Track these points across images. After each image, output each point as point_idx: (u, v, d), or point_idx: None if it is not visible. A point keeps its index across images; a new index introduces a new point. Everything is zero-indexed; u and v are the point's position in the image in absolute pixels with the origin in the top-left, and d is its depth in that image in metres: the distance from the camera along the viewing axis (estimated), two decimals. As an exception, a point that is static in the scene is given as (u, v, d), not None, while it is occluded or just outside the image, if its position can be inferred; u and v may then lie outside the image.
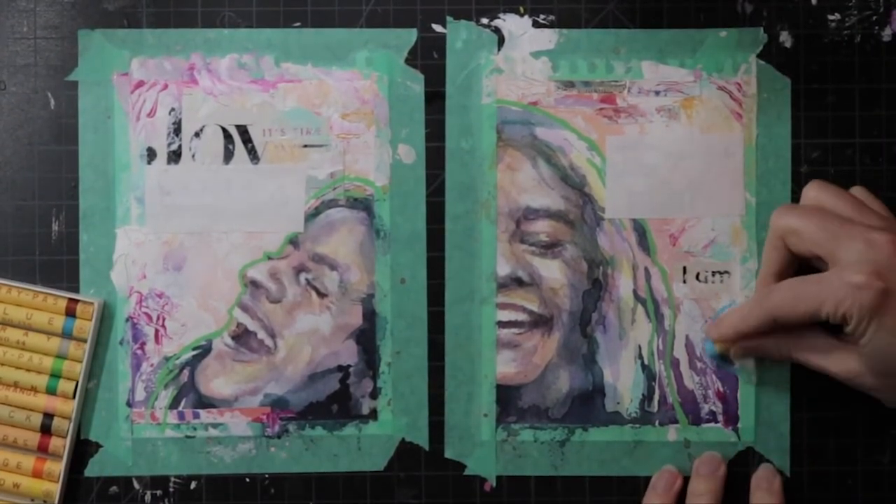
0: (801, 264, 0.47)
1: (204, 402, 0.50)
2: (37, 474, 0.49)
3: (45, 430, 0.49)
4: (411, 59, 0.51)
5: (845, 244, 0.43)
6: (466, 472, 0.51)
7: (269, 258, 0.50)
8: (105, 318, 0.50)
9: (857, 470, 0.50)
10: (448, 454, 0.51)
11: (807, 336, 0.46)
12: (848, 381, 0.45)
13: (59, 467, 0.49)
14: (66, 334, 0.49)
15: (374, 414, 0.51)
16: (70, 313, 0.49)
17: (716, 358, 0.50)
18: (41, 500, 0.49)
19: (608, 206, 0.51)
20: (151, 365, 0.50)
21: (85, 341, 0.49)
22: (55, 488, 0.49)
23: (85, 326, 0.49)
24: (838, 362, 0.45)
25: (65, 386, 0.49)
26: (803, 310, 0.44)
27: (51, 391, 0.49)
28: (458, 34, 0.51)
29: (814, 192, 0.47)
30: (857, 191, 0.48)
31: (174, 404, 0.50)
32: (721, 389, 0.51)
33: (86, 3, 0.51)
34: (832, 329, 0.46)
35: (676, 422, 0.51)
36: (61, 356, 0.49)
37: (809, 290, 0.44)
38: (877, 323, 0.42)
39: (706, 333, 0.50)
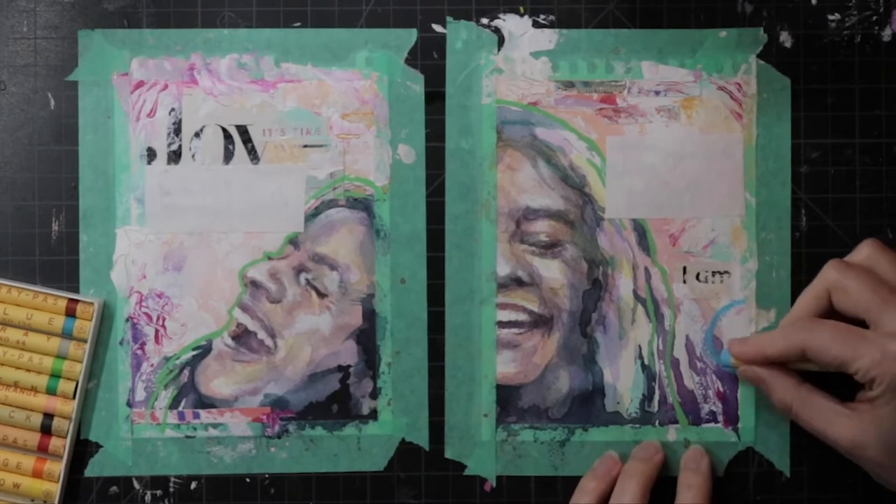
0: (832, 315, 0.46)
1: (204, 403, 0.50)
2: (37, 474, 0.49)
3: (46, 430, 0.49)
4: (411, 60, 0.51)
5: (893, 313, 0.43)
6: (466, 472, 0.51)
7: (269, 258, 0.50)
8: (105, 318, 0.50)
9: (858, 470, 0.49)
10: (448, 454, 0.51)
11: (815, 397, 0.46)
12: (849, 450, 0.44)
13: (59, 467, 0.49)
14: (66, 334, 0.49)
15: (374, 414, 0.51)
16: (70, 313, 0.49)
17: (728, 368, 0.49)
18: (41, 501, 0.49)
19: (608, 206, 0.51)
20: (151, 365, 0.50)
21: (85, 341, 0.49)
22: (55, 488, 0.49)
23: (85, 326, 0.49)
24: (843, 429, 0.44)
25: (65, 386, 0.49)
26: (835, 353, 0.44)
27: (51, 391, 0.49)
28: (458, 34, 0.51)
29: (867, 250, 0.46)
30: None
31: (174, 404, 0.50)
32: (721, 389, 0.51)
33: (86, 3, 0.51)
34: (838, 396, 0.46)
35: (676, 422, 0.51)
36: (61, 356, 0.49)
37: (850, 339, 0.43)
38: None
39: (728, 346, 0.49)
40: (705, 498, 0.48)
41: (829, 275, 0.46)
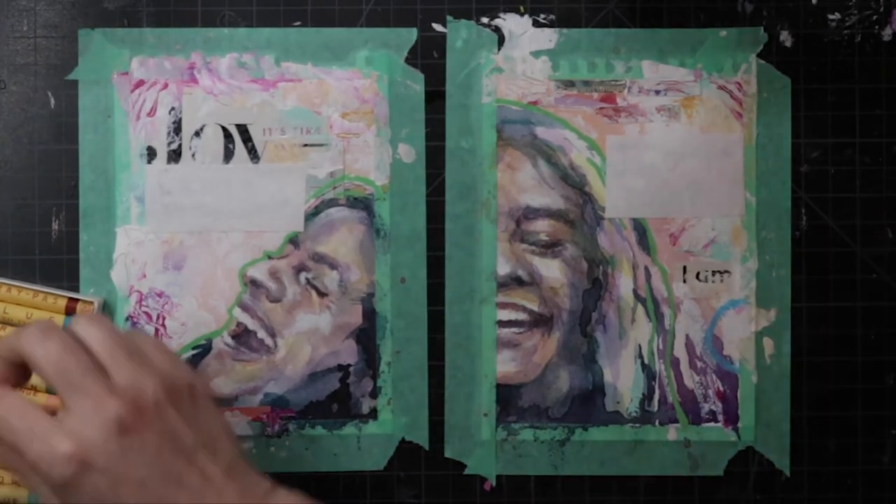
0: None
1: (204, 402, 0.50)
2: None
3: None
4: (411, 59, 0.51)
5: (79, 396, 0.36)
6: (466, 472, 0.51)
7: (269, 257, 0.50)
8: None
9: (857, 470, 0.50)
10: (448, 454, 0.51)
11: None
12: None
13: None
14: (66, 334, 0.49)
15: (374, 413, 0.51)
16: (70, 312, 0.49)
17: None
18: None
19: (608, 205, 0.51)
20: (151, 364, 0.50)
21: (85, 341, 0.49)
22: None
23: (85, 326, 0.49)
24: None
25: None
26: (11, 437, 0.36)
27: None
28: (458, 33, 0.51)
29: (82, 326, 0.39)
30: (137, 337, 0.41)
31: (174, 404, 0.50)
32: (721, 389, 0.51)
33: (86, 3, 0.51)
34: None
35: (676, 421, 0.51)
36: (61, 355, 0.49)
37: (31, 420, 0.36)
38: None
39: None
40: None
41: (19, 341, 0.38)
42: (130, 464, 0.37)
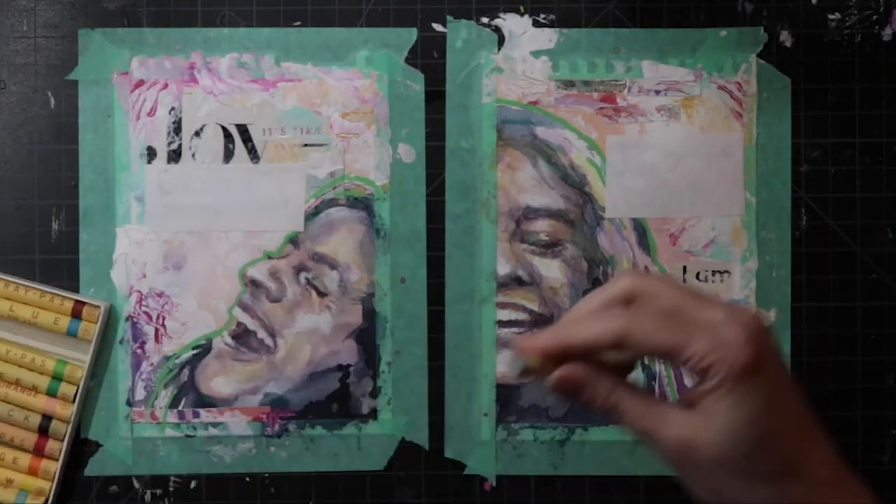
0: None
1: (204, 402, 0.50)
2: (32, 472, 0.49)
3: (43, 431, 0.49)
4: (411, 59, 0.51)
5: (708, 307, 0.37)
6: (466, 472, 0.51)
7: (269, 257, 0.50)
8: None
9: (858, 470, 0.49)
10: (448, 454, 0.51)
11: (641, 394, 0.39)
12: (678, 451, 0.38)
13: (55, 466, 0.49)
14: (71, 335, 0.49)
15: (374, 413, 0.51)
16: (76, 315, 0.49)
17: (524, 376, 0.37)
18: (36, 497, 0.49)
19: (608, 205, 0.51)
20: (151, 364, 0.50)
21: (89, 342, 0.49)
22: (48, 486, 0.49)
23: (90, 329, 0.49)
24: (677, 427, 0.38)
25: (66, 389, 0.49)
26: (664, 339, 0.37)
27: (51, 393, 0.49)
28: (458, 33, 0.51)
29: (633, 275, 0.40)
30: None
31: (174, 404, 0.50)
32: (721, 389, 0.50)
33: (86, 3, 0.51)
34: None
35: (676, 421, 0.50)
36: (64, 358, 0.49)
37: (678, 324, 0.37)
38: (744, 389, 0.36)
39: (517, 347, 0.38)
40: None
41: (626, 281, 0.39)
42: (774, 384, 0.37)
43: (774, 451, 0.37)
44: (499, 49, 0.51)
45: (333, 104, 0.50)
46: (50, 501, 0.49)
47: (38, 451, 0.49)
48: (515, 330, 0.51)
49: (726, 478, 0.37)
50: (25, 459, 0.49)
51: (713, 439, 0.37)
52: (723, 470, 0.37)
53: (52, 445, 0.49)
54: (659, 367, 0.50)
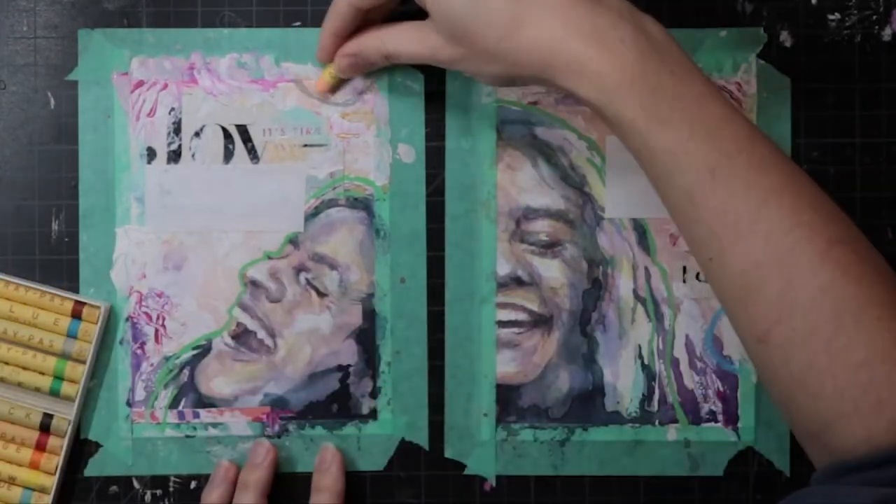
0: None
1: (204, 402, 0.50)
2: (34, 467, 0.49)
3: (45, 429, 0.49)
4: (411, 59, 0.51)
5: None
6: (466, 472, 0.51)
7: (269, 258, 0.50)
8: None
9: (857, 470, 0.49)
10: (448, 454, 0.51)
11: (395, 26, 0.46)
12: (434, 59, 0.44)
13: (56, 459, 0.49)
14: (71, 336, 0.49)
15: (374, 414, 0.51)
16: (76, 315, 0.49)
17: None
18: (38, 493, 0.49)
19: (608, 205, 0.51)
20: (151, 364, 0.50)
21: (90, 343, 0.49)
22: (51, 482, 0.49)
23: (90, 329, 0.49)
24: (422, 41, 0.44)
25: (67, 388, 0.49)
26: None
27: (53, 392, 0.49)
28: (458, 34, 0.51)
29: None
30: None
31: (174, 404, 0.50)
32: (721, 389, 0.51)
33: (86, 3, 0.51)
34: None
35: (676, 421, 0.51)
36: (65, 357, 0.49)
37: None
38: None
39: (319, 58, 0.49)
40: (337, 498, 0.48)
41: None
42: None
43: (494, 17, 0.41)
44: (499, 49, 0.51)
45: (333, 104, 0.50)
46: (52, 499, 0.49)
47: (40, 448, 0.49)
48: (515, 330, 0.51)
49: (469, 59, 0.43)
50: (27, 455, 0.49)
51: (443, 40, 0.43)
52: (464, 52, 0.43)
53: (53, 442, 0.49)
54: (659, 367, 0.51)
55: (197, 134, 0.50)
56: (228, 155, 0.50)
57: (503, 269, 0.51)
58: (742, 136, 0.40)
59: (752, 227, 0.39)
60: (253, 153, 0.50)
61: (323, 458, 0.49)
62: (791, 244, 0.38)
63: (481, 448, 0.51)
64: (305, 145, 0.50)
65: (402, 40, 0.45)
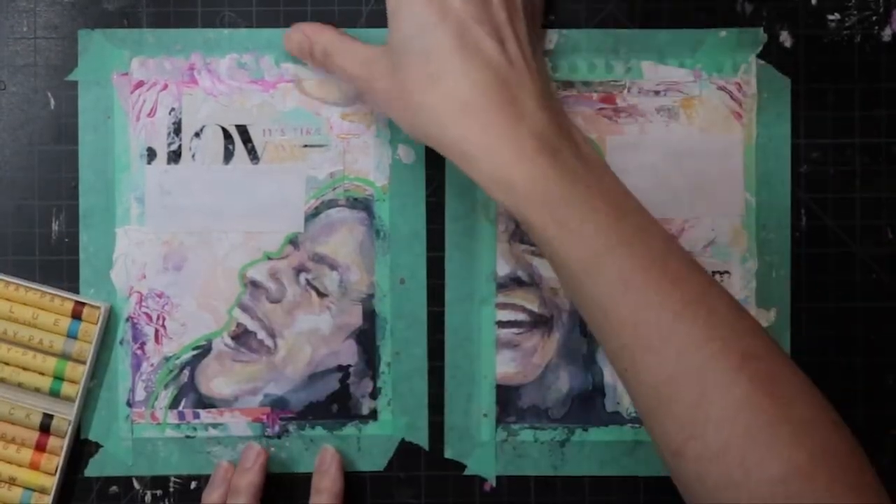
0: None
1: (204, 402, 0.50)
2: (34, 467, 0.49)
3: (45, 429, 0.49)
4: (411, 59, 0.50)
5: None
6: (466, 472, 0.51)
7: (269, 258, 0.50)
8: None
9: (857, 470, 0.49)
10: (448, 454, 0.51)
11: (350, 42, 0.46)
12: (368, 85, 0.44)
13: (56, 459, 0.49)
14: (71, 336, 0.49)
15: (373, 414, 0.51)
16: (76, 316, 0.49)
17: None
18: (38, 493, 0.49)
19: (608, 206, 0.50)
20: (151, 365, 0.50)
21: (90, 343, 0.49)
22: (51, 481, 0.49)
23: (90, 330, 0.49)
24: (366, 63, 0.44)
25: (67, 388, 0.49)
26: None
27: (53, 393, 0.49)
28: (457, 34, 0.51)
29: None
30: None
31: (174, 404, 0.50)
32: (721, 389, 0.50)
33: (86, 3, 0.51)
34: None
35: (676, 422, 0.50)
36: (65, 358, 0.49)
37: None
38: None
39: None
40: (336, 499, 0.48)
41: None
42: None
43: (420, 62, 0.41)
44: (498, 49, 0.51)
45: (333, 105, 0.50)
46: (52, 500, 0.49)
47: (40, 448, 0.49)
48: (515, 331, 0.51)
49: (396, 99, 0.42)
50: (27, 455, 0.49)
51: (383, 72, 0.42)
52: (394, 96, 0.42)
53: (53, 443, 0.49)
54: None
55: (197, 134, 0.50)
56: (228, 155, 0.50)
57: (503, 270, 0.51)
58: (657, 248, 0.39)
59: (665, 341, 0.38)
60: (253, 154, 0.50)
61: (322, 459, 0.49)
62: (704, 359, 0.37)
63: (481, 448, 0.51)
64: (305, 146, 0.50)
65: (348, 54, 0.45)
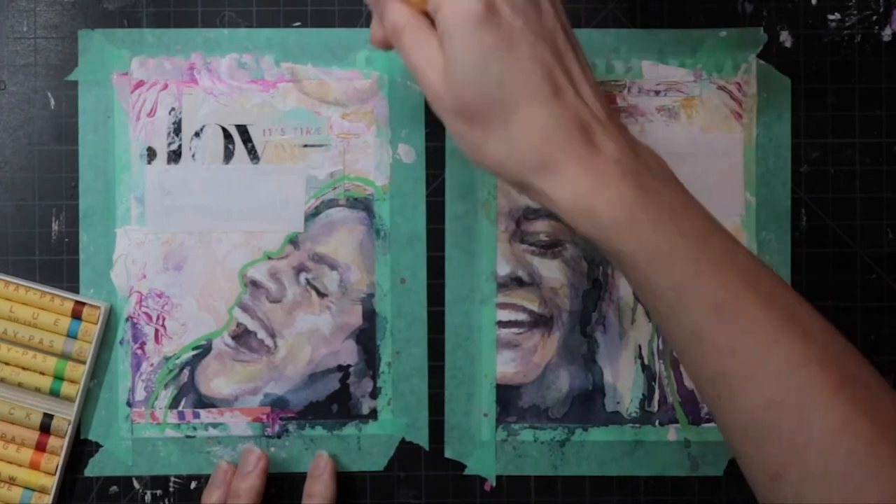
0: None
1: (204, 402, 0.50)
2: (34, 467, 0.49)
3: (45, 429, 0.49)
4: (411, 59, 0.50)
5: None
6: (466, 472, 0.51)
7: (269, 258, 0.50)
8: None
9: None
10: (448, 454, 0.51)
11: (426, 31, 0.39)
12: (435, 97, 0.39)
13: (56, 459, 0.49)
14: (71, 336, 0.49)
15: (374, 414, 0.51)
16: (76, 315, 0.49)
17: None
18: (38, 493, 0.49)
19: (608, 205, 0.50)
20: (151, 365, 0.50)
21: (90, 343, 0.49)
22: (51, 481, 0.49)
23: (90, 330, 0.49)
24: (435, 71, 0.38)
25: (67, 388, 0.49)
26: None
27: (53, 392, 0.49)
28: (458, 34, 0.51)
29: None
30: None
31: (174, 404, 0.50)
32: (721, 389, 0.51)
33: (86, 3, 0.51)
34: None
35: (676, 422, 0.51)
36: (65, 358, 0.49)
37: None
38: (466, 35, 0.37)
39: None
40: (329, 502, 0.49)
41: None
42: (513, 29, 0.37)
43: (492, 96, 0.37)
44: (499, 49, 0.51)
45: (333, 105, 0.50)
46: (52, 499, 0.49)
47: (40, 448, 0.49)
48: (515, 330, 0.51)
49: (466, 127, 0.38)
50: (27, 455, 0.49)
51: (449, 89, 0.38)
52: (459, 118, 0.38)
53: (53, 442, 0.49)
54: (659, 367, 0.51)
55: (197, 134, 0.50)
56: (228, 155, 0.50)
57: (503, 270, 0.51)
58: (747, 270, 0.38)
59: (763, 366, 0.37)
60: (253, 153, 0.50)
61: (316, 464, 0.50)
62: (802, 382, 0.37)
63: (481, 448, 0.51)
64: (305, 145, 0.50)
65: (419, 48, 0.39)
